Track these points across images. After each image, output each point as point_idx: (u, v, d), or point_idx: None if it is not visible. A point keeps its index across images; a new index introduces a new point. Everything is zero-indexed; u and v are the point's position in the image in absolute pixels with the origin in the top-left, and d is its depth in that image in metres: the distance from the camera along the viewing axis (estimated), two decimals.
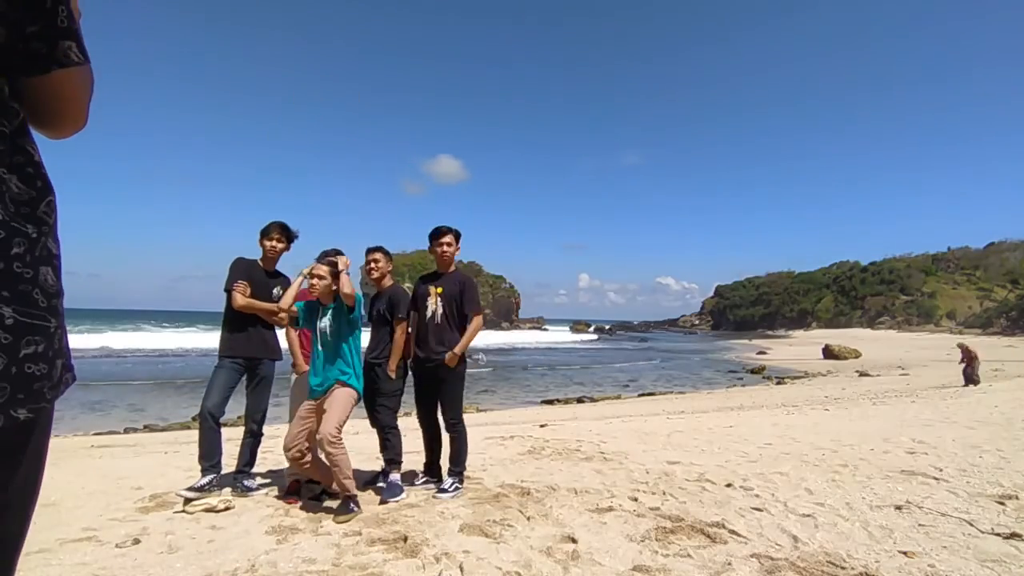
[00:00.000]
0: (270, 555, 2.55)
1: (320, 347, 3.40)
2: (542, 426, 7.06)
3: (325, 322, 3.40)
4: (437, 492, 3.53)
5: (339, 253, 3.93)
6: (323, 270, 3.42)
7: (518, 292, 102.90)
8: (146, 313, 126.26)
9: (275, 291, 3.78)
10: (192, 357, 27.25)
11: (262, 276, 3.76)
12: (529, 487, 3.65)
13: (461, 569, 2.36)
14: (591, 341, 62.41)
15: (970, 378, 12.77)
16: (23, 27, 0.67)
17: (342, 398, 3.30)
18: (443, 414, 3.74)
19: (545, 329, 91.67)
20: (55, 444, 7.30)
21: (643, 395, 16.15)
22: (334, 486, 3.34)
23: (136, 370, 20.70)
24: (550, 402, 14.55)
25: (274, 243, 3.77)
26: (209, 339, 37.85)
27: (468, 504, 3.32)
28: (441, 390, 3.72)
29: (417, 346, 3.77)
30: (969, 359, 12.90)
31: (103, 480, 4.11)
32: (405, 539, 2.70)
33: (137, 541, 2.75)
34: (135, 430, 9.69)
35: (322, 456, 3.27)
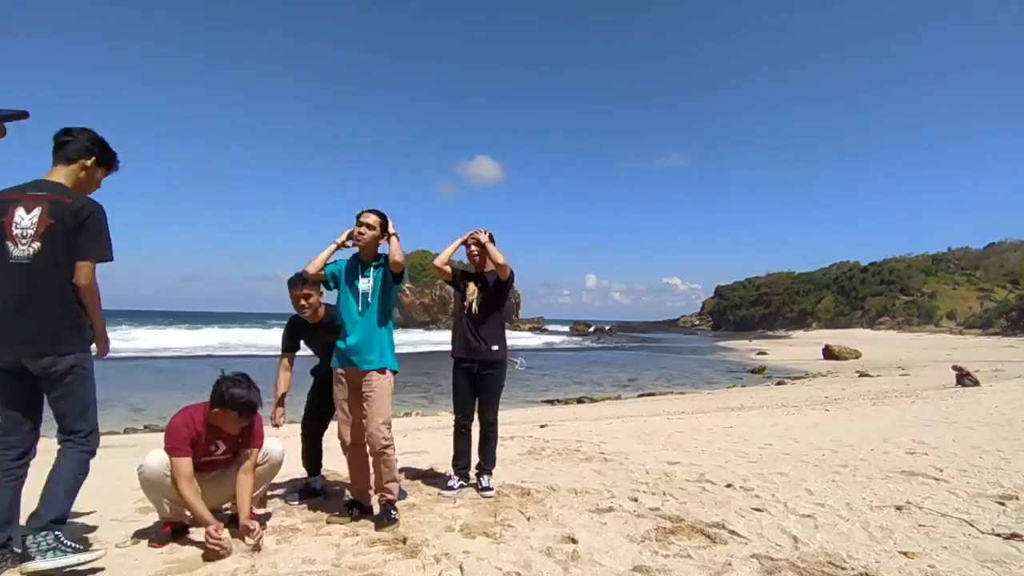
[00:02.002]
0: (270, 555, 2.55)
1: (358, 314, 3.01)
2: (542, 426, 7.06)
3: (367, 283, 3.03)
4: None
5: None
6: (372, 219, 3.01)
7: (518, 292, 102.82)
8: (150, 313, 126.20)
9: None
10: (195, 358, 27.26)
11: None
12: (529, 487, 3.65)
13: (461, 569, 2.37)
14: (591, 342, 62.34)
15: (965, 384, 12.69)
16: None
17: (388, 387, 3.04)
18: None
19: (545, 329, 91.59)
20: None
21: (643, 395, 16.11)
22: (372, 493, 3.09)
23: (137, 370, 20.68)
24: (550, 402, 14.53)
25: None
26: (213, 338, 37.87)
27: (468, 504, 3.32)
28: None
29: None
30: (962, 375, 12.83)
31: (103, 480, 4.09)
32: (405, 540, 2.70)
33: (137, 541, 2.75)
34: (135, 430, 9.66)
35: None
